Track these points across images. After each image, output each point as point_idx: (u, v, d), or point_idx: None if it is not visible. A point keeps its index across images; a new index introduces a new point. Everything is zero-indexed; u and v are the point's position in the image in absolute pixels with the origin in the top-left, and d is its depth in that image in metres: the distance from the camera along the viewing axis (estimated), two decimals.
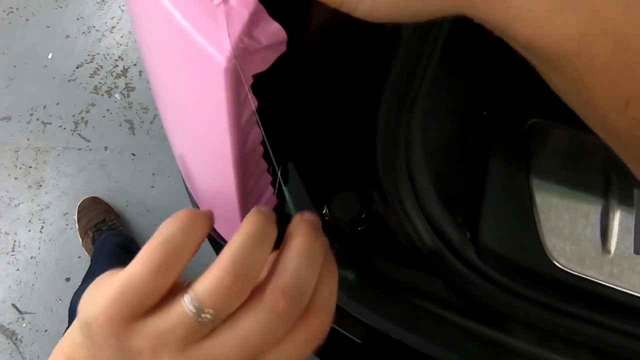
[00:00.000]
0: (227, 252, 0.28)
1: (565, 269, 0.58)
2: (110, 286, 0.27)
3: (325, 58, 0.49)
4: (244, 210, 0.50)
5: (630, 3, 0.21)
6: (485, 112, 0.65)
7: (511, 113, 0.66)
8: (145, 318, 0.27)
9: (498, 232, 0.60)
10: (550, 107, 0.67)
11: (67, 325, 1.13)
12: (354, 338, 0.58)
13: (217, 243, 0.70)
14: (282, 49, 0.35)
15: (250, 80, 0.35)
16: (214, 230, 0.66)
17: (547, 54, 0.23)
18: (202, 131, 0.43)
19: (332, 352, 0.63)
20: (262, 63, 0.34)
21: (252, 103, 0.38)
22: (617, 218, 0.60)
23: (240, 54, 0.32)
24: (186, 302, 0.27)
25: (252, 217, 0.30)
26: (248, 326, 0.27)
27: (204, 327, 0.27)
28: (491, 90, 0.67)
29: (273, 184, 0.52)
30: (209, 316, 0.26)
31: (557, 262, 0.59)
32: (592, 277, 0.58)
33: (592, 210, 0.61)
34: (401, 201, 0.52)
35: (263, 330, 0.27)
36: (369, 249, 0.57)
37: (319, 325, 0.29)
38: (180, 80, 0.42)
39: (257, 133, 0.41)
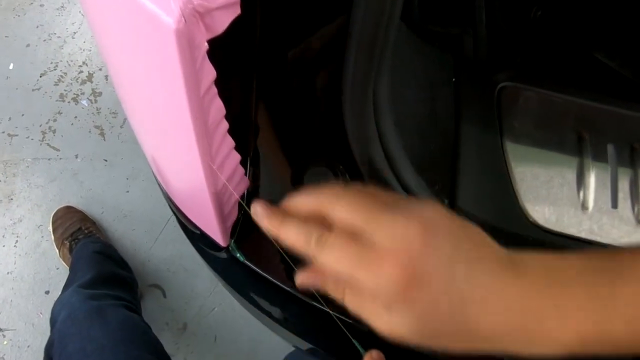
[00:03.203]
0: None
1: (546, 229, 0.58)
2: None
3: (286, 23, 0.48)
4: (214, 193, 0.49)
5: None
6: (454, 79, 0.64)
7: (480, 78, 0.65)
8: None
9: (475, 198, 0.59)
10: (519, 70, 0.67)
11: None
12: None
13: (189, 230, 0.68)
14: (236, 11, 0.33)
15: (205, 46, 0.33)
16: (185, 217, 0.65)
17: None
18: (163, 109, 0.42)
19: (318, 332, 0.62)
20: (216, 26, 0.33)
21: (210, 72, 0.36)
22: (592, 174, 0.59)
23: (191, 15, 0.30)
24: None
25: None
26: None
27: None
28: (459, 56, 0.67)
29: (244, 163, 0.50)
30: None
31: (537, 223, 0.58)
32: (573, 235, 0.57)
33: (567, 168, 0.60)
34: (376, 171, 0.50)
35: None
36: None
37: None
38: (136, 57, 0.40)
39: (219, 106, 0.40)
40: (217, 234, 0.58)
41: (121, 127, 1.83)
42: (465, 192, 0.59)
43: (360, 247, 0.34)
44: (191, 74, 0.34)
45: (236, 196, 0.55)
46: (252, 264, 0.62)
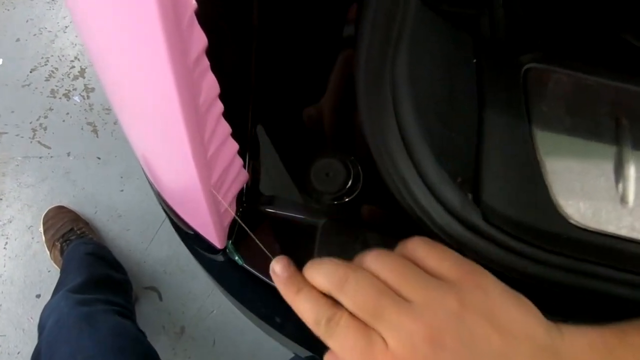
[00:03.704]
0: None
1: (581, 226, 0.52)
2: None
3: None
4: (207, 190, 0.42)
5: None
6: (474, 60, 0.57)
7: (503, 60, 0.59)
8: None
9: (502, 192, 0.53)
10: (546, 51, 0.60)
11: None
12: None
13: (182, 231, 0.62)
14: None
15: (192, 4, 0.27)
16: (178, 217, 0.58)
17: None
18: (146, 88, 0.35)
19: None
20: None
21: (200, 39, 0.30)
22: (632, 165, 0.53)
23: None
24: None
25: None
26: None
27: None
28: (478, 36, 0.60)
29: (242, 153, 0.44)
30: None
31: (571, 219, 0.52)
32: (612, 232, 0.51)
33: (604, 158, 0.54)
34: (393, 163, 0.44)
35: None
36: (360, 221, 0.50)
37: None
38: (113, 26, 0.34)
39: (212, 83, 0.33)
40: (212, 235, 0.52)
41: (115, 123, 1.76)
42: (491, 185, 0.52)
43: (366, 344, 0.32)
44: (176, 38, 0.27)
45: (225, 205, 0.49)
46: (252, 268, 0.56)
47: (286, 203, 0.53)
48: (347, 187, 0.49)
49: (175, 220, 0.64)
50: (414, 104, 0.43)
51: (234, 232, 0.53)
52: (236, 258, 0.54)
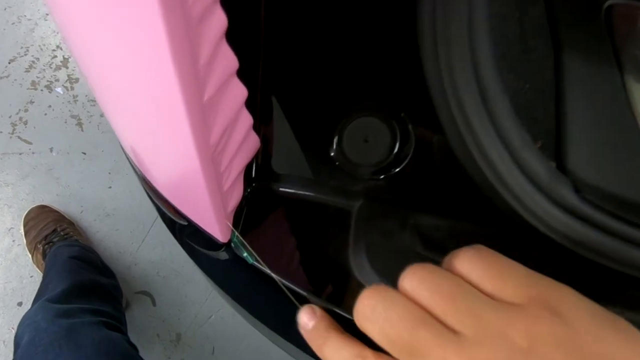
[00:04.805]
0: None
1: None
2: None
3: None
4: (204, 152, 0.30)
5: None
6: None
7: None
8: None
9: (591, 160, 0.40)
10: None
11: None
12: None
13: (174, 224, 0.49)
14: None
15: None
16: (169, 205, 0.45)
17: None
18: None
19: None
20: None
21: None
22: None
23: None
24: None
25: None
26: None
27: None
28: None
29: (252, 107, 0.31)
30: None
31: None
32: None
33: None
34: (465, 114, 0.31)
35: None
36: (408, 204, 0.38)
37: None
38: None
39: None
40: (212, 224, 0.39)
41: (101, 116, 1.64)
42: (577, 151, 0.40)
43: None
44: None
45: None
46: (264, 267, 0.43)
47: (309, 181, 0.40)
48: (394, 153, 0.36)
49: (166, 210, 0.51)
50: (492, 37, 0.31)
51: (242, 219, 0.41)
52: (245, 255, 0.41)
